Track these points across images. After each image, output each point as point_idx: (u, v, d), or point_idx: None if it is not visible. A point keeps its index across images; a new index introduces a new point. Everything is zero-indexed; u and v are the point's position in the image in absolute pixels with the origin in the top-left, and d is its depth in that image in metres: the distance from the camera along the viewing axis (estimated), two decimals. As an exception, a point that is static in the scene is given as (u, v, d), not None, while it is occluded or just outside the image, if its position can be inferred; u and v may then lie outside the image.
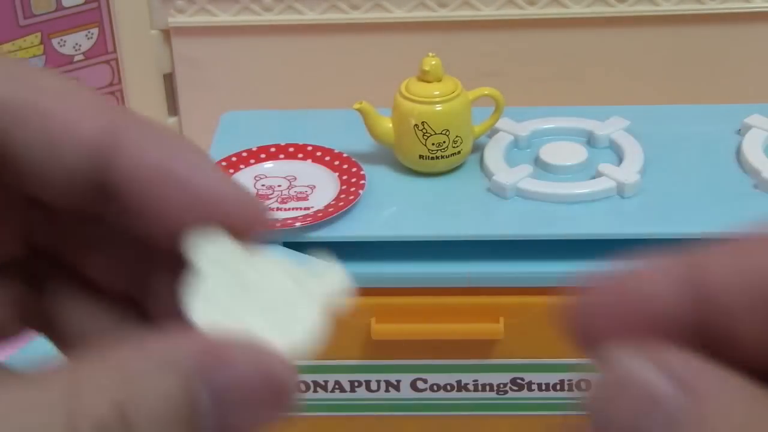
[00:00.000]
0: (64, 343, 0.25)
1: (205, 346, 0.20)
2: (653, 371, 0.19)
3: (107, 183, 0.22)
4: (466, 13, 0.90)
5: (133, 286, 0.24)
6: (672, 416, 0.18)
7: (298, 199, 0.70)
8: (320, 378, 0.72)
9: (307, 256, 0.24)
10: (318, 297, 0.23)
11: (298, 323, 0.22)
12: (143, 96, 0.94)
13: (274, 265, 0.23)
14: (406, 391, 0.72)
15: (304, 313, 0.22)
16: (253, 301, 0.22)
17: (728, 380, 0.19)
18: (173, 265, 0.23)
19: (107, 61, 0.92)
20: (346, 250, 0.68)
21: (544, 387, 0.71)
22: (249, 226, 0.23)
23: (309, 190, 0.71)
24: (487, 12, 0.90)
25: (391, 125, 0.73)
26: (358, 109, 0.73)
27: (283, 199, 0.70)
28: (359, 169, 0.72)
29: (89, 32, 0.90)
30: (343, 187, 0.71)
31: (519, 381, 0.71)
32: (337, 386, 0.72)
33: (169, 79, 0.96)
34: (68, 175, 0.22)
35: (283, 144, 0.75)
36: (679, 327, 0.20)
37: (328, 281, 0.23)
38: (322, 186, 0.72)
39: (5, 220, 0.24)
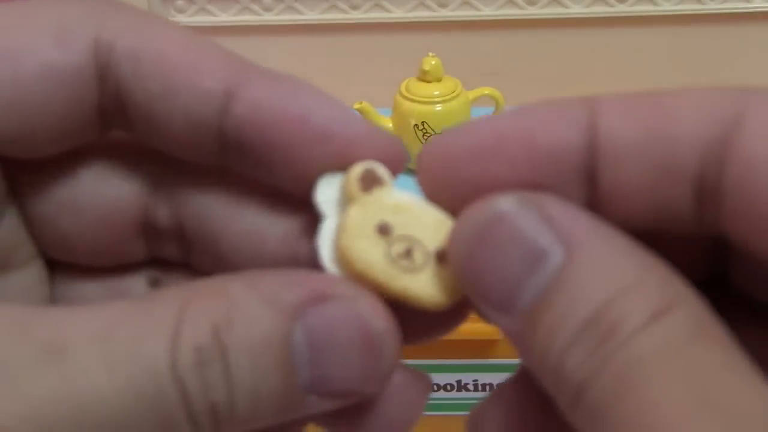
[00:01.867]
0: None
1: (310, 289, 0.20)
2: (531, 218, 0.19)
3: (229, 131, 0.22)
4: (466, 13, 0.90)
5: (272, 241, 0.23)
6: (546, 264, 0.18)
7: (298, 199, 0.71)
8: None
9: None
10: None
11: (437, 272, 0.21)
12: (143, 96, 0.94)
13: (423, 204, 0.22)
14: (406, 391, 0.72)
15: (448, 264, 0.21)
16: (388, 241, 0.21)
17: (602, 230, 0.18)
18: (306, 211, 0.22)
19: (107, 61, 0.92)
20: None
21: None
22: (379, 158, 0.22)
23: (309, 190, 0.71)
24: (487, 12, 0.90)
25: (391, 125, 0.73)
26: (358, 109, 0.73)
27: (283, 199, 0.71)
28: (359, 169, 0.72)
29: (89, 32, 0.90)
30: (343, 187, 0.71)
31: (519, 381, 0.71)
32: (337, 386, 0.72)
33: (169, 79, 0.96)
34: (193, 126, 0.22)
35: (283, 144, 0.75)
36: (570, 169, 0.20)
37: None
38: (322, 186, 0.72)
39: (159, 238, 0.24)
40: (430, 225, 0.21)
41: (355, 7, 0.91)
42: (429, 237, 0.21)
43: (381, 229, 0.21)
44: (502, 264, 0.19)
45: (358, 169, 0.21)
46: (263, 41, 0.93)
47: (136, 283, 0.24)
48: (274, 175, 0.22)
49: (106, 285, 0.24)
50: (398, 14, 0.90)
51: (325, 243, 0.21)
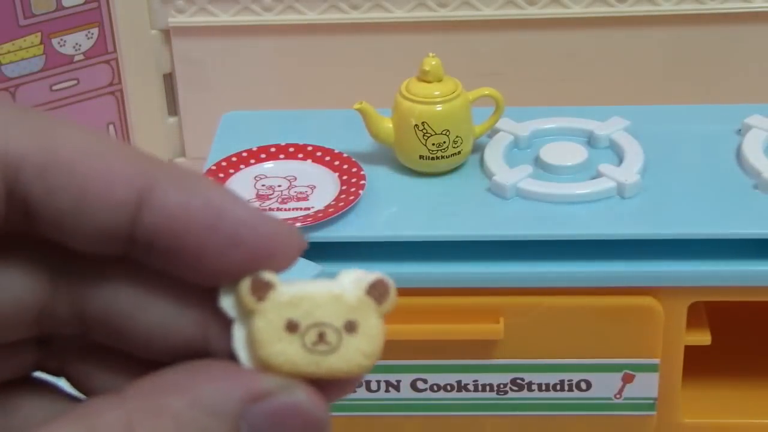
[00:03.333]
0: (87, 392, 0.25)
1: (247, 389, 0.22)
2: None
3: (140, 237, 0.22)
4: (466, 13, 0.90)
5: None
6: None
7: (298, 199, 0.70)
8: (320, 378, 0.72)
9: (343, 272, 0.24)
10: (366, 308, 0.24)
11: (353, 342, 0.23)
12: (143, 96, 0.94)
13: (315, 287, 0.24)
14: (406, 391, 0.72)
15: (358, 332, 0.24)
16: (300, 335, 0.23)
17: None
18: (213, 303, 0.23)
19: (107, 61, 0.92)
20: (346, 251, 0.68)
21: (544, 387, 0.71)
22: (283, 257, 0.23)
23: (309, 190, 0.71)
24: (487, 12, 0.90)
25: (391, 125, 0.73)
26: (358, 109, 0.73)
27: (283, 199, 0.70)
28: (359, 169, 0.72)
29: (89, 32, 0.90)
30: (343, 187, 0.71)
31: (519, 381, 0.71)
32: (337, 386, 0.72)
33: (169, 79, 0.96)
34: (103, 234, 0.22)
35: (283, 144, 0.75)
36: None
37: (372, 290, 0.24)
38: (322, 186, 0.72)
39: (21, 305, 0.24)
40: (327, 304, 0.23)
41: (355, 7, 0.90)
42: (332, 315, 0.23)
43: (289, 327, 0.23)
44: None
45: (245, 285, 0.23)
46: (263, 41, 0.93)
47: (26, 350, 0.25)
48: (183, 274, 0.23)
49: None
50: (398, 14, 0.90)
51: (240, 347, 0.23)
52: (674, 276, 0.67)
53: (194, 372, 0.22)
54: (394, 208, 0.70)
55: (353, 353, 0.23)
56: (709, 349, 0.71)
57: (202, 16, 0.92)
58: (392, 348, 0.70)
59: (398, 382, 0.72)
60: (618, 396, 0.71)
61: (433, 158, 0.72)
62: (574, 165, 0.72)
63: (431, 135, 0.71)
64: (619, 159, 0.73)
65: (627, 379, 0.71)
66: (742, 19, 0.90)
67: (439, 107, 0.72)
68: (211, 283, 0.23)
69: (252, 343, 0.23)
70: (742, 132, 0.76)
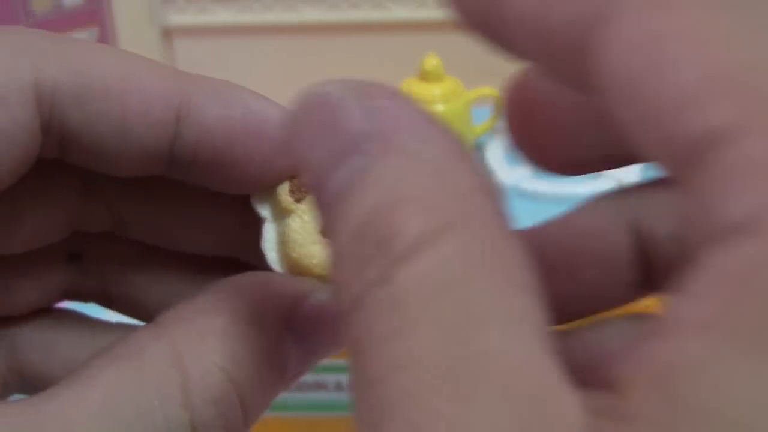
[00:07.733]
0: (126, 310, 0.25)
1: (287, 299, 0.21)
2: (354, 107, 0.16)
3: (181, 155, 0.21)
4: (466, 13, 0.90)
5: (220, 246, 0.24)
6: (353, 160, 0.15)
7: (298, 199, 0.71)
8: (320, 378, 0.72)
9: None
10: None
11: None
12: (143, 96, 0.94)
13: None
14: (406, 391, 0.72)
15: None
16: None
17: (426, 133, 0.16)
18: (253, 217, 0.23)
19: (107, 61, 0.92)
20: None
21: (544, 387, 0.71)
22: None
23: (309, 190, 0.71)
24: (487, 12, 0.90)
25: (391, 125, 0.73)
26: (359, 109, 0.73)
27: (283, 199, 0.71)
28: (359, 169, 0.72)
29: (89, 32, 0.90)
30: (343, 187, 0.71)
31: (519, 381, 0.71)
32: (337, 386, 0.72)
33: (169, 79, 0.96)
34: (143, 155, 0.21)
35: (283, 144, 0.75)
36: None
37: None
38: (322, 186, 0.72)
39: (57, 206, 0.23)
40: None
41: (355, 7, 0.91)
42: None
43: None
44: (316, 149, 0.16)
45: (285, 186, 0.22)
46: (263, 41, 0.93)
47: (56, 259, 0.24)
48: (221, 186, 0.22)
49: (25, 270, 0.24)
50: (398, 14, 0.90)
51: (270, 247, 0.22)
52: (674, 276, 0.67)
53: (226, 292, 0.21)
54: (394, 208, 0.70)
55: None
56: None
57: (202, 15, 0.92)
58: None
59: (398, 381, 0.72)
60: (618, 396, 0.71)
61: (433, 158, 0.72)
62: (574, 165, 0.72)
63: (431, 135, 0.72)
64: (619, 159, 0.73)
65: (627, 379, 0.71)
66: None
67: (439, 107, 0.72)
68: (248, 190, 0.22)
69: (285, 243, 0.22)
70: (742, 132, 0.76)
